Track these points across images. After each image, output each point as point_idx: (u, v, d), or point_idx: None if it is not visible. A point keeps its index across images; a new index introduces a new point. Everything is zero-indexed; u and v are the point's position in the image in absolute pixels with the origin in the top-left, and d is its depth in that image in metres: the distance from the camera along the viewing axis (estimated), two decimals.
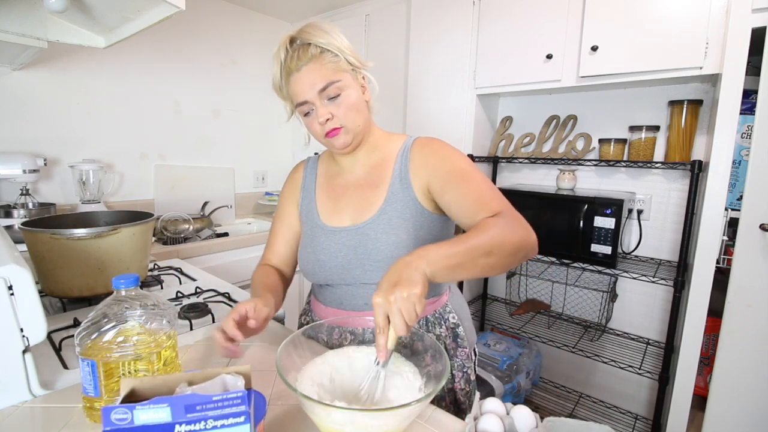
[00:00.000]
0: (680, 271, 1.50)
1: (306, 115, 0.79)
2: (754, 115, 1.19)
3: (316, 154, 1.00)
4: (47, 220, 1.13)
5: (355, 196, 0.86)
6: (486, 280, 2.21)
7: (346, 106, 0.77)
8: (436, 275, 0.57)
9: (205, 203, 2.23)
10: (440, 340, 0.85)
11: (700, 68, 1.36)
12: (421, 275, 0.55)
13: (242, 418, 0.40)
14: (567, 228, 1.67)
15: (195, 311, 0.99)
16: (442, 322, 0.87)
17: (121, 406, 0.37)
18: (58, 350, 0.80)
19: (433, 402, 0.67)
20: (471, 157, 1.96)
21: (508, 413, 0.59)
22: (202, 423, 0.38)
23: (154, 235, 1.73)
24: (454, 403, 0.87)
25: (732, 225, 1.29)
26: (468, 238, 0.62)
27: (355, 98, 0.78)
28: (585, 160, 1.78)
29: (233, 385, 0.44)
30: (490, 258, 0.61)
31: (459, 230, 0.78)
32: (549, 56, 1.66)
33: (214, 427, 0.39)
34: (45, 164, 1.70)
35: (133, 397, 0.41)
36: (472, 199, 0.73)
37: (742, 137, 1.52)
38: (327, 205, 0.89)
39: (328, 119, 0.77)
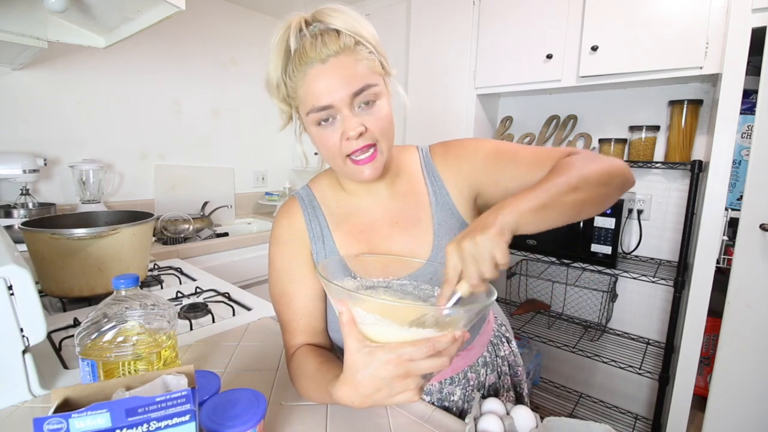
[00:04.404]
0: (680, 271, 1.49)
1: (321, 124, 0.59)
2: (754, 115, 1.19)
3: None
4: (47, 220, 1.13)
5: (394, 238, 0.69)
6: None
7: (384, 119, 0.60)
8: (520, 222, 0.49)
9: (205, 203, 2.24)
10: (504, 359, 0.80)
11: (700, 68, 1.36)
12: (498, 221, 0.48)
13: (187, 417, 0.39)
14: (567, 228, 1.65)
15: (195, 311, 1.00)
16: (504, 340, 0.81)
17: (55, 416, 0.35)
18: (58, 350, 0.80)
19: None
20: None
21: (508, 413, 0.59)
22: (145, 426, 0.37)
23: (154, 235, 1.73)
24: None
25: (732, 225, 1.29)
26: (547, 179, 0.54)
27: (389, 111, 0.61)
28: None
29: (176, 386, 0.43)
30: (578, 193, 0.53)
31: None
32: (549, 56, 1.66)
33: (158, 429, 0.38)
34: (45, 164, 1.70)
35: (67, 407, 0.39)
36: (527, 163, 0.63)
37: (742, 137, 1.52)
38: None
39: (361, 132, 0.58)
